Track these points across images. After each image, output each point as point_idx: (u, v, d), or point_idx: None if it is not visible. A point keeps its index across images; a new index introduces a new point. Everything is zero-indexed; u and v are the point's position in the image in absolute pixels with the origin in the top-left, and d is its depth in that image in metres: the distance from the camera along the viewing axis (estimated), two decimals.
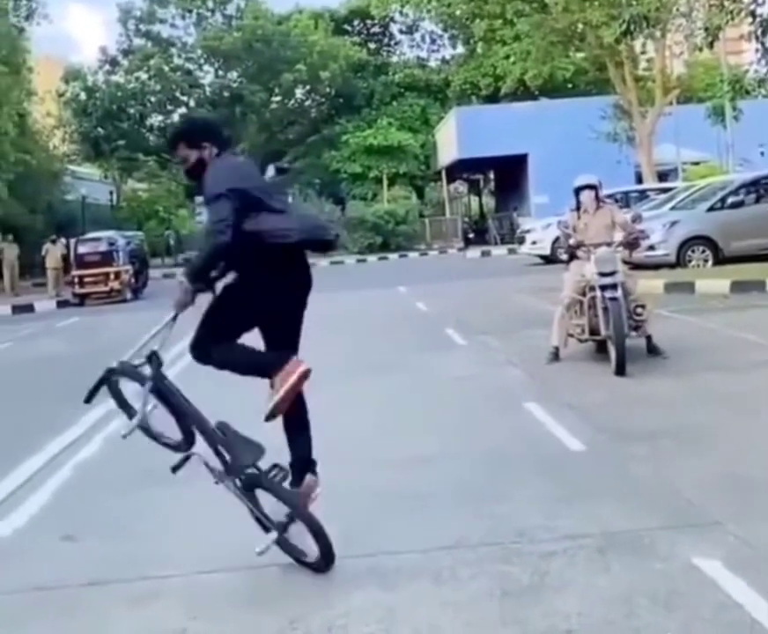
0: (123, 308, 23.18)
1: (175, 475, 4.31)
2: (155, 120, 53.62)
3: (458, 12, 38.83)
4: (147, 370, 4.21)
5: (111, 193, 49.91)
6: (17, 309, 25.56)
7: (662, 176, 32.42)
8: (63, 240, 30.02)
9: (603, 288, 8.74)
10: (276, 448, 4.42)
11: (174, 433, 4.34)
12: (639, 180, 31.56)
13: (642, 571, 4.09)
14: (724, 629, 3.54)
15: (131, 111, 51.63)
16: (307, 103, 55.71)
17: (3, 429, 8.44)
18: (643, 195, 24.68)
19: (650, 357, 9.11)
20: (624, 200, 22.72)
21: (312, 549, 4.28)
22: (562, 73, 40.00)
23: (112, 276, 25.55)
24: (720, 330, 10.90)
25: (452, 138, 42.72)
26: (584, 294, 9.07)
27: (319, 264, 34.64)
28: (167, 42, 52.39)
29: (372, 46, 57.15)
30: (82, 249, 26.37)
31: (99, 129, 50.38)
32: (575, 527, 4.67)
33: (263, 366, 4.32)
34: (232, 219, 4.01)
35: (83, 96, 50.91)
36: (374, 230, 40.92)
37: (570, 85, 45.74)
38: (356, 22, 56.96)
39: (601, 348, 9.23)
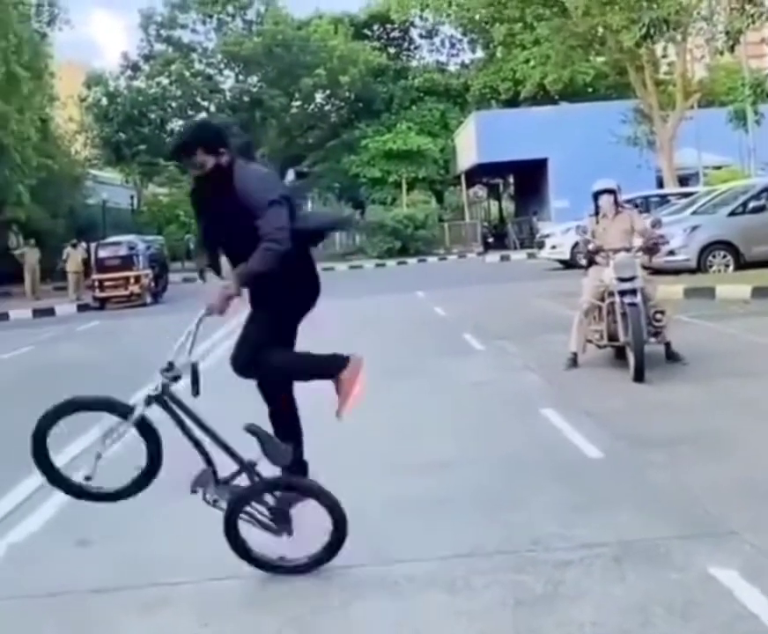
0: (143, 312, 23.31)
1: (186, 483, 4.32)
2: (176, 125, 53.69)
3: (477, 17, 38.78)
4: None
5: (132, 197, 50.26)
6: (37, 313, 25.72)
7: (683, 180, 32.24)
8: (84, 244, 30.11)
9: (622, 293, 8.68)
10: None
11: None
12: (660, 184, 31.38)
13: (658, 580, 4.05)
14: None
15: (152, 116, 51.90)
16: (327, 108, 55.87)
17: (23, 433, 8.46)
18: (664, 199, 24.44)
19: (669, 363, 9.05)
20: (645, 204, 22.55)
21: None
22: (582, 77, 39.93)
23: (132, 280, 25.71)
24: (740, 336, 10.81)
25: (471, 143, 42.62)
26: (603, 300, 9.02)
27: (338, 268, 34.85)
28: (188, 47, 52.68)
29: (391, 50, 57.14)
30: (102, 253, 26.52)
31: (121, 134, 50.69)
32: (591, 536, 4.63)
33: (325, 367, 4.40)
34: (289, 225, 4.11)
35: (104, 101, 51.32)
36: (393, 234, 40.87)
37: (590, 89, 45.50)
38: (375, 27, 57.02)
39: (620, 354, 9.17)
